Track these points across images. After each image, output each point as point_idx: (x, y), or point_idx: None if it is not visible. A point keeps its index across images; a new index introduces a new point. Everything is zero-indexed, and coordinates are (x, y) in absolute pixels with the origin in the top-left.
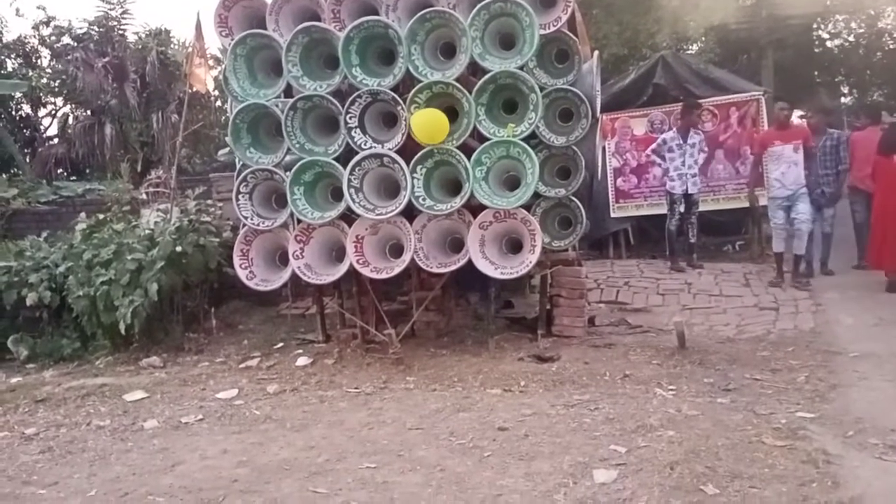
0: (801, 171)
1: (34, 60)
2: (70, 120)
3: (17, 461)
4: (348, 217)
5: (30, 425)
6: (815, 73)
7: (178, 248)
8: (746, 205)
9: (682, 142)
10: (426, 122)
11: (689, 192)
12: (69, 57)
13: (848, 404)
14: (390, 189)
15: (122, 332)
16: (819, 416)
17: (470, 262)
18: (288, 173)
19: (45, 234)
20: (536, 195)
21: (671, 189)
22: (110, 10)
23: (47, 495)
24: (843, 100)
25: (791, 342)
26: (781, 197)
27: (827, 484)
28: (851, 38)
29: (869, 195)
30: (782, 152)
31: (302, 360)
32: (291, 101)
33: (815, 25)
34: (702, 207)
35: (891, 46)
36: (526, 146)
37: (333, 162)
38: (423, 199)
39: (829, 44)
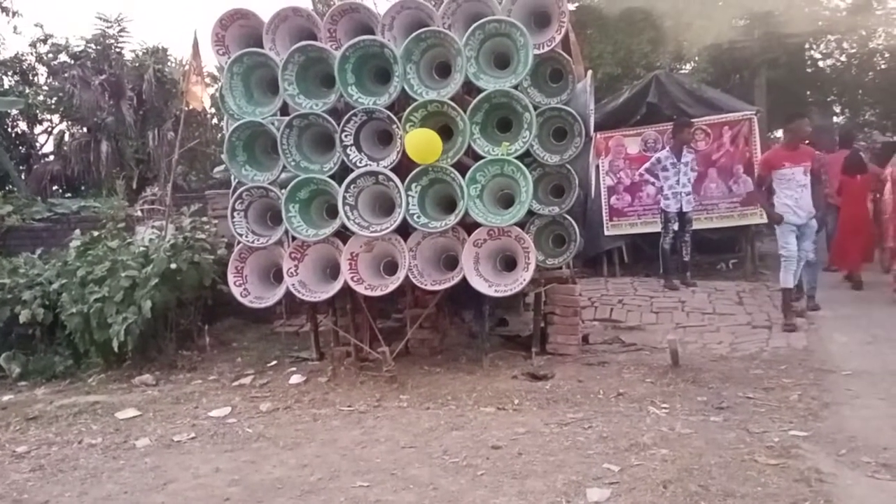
0: (809, 197)
1: (31, 78)
2: (66, 137)
3: (8, 479)
4: (343, 234)
5: (21, 443)
6: (808, 92)
7: (173, 266)
8: (740, 223)
9: (676, 160)
10: (420, 142)
11: (684, 210)
12: (66, 74)
13: (841, 423)
14: (385, 207)
15: (115, 349)
16: (812, 435)
17: (464, 280)
18: (283, 191)
19: (39, 251)
20: (530, 213)
21: (666, 207)
22: (107, 28)
23: None
24: (835, 119)
25: (784, 360)
26: (795, 224)
27: (820, 503)
28: (844, 58)
29: (837, 209)
30: (793, 175)
31: (295, 378)
32: (287, 119)
33: (807, 45)
34: (695, 226)
35: (883, 66)
36: (520, 164)
37: (329, 180)
38: (418, 217)
39: (821, 63)
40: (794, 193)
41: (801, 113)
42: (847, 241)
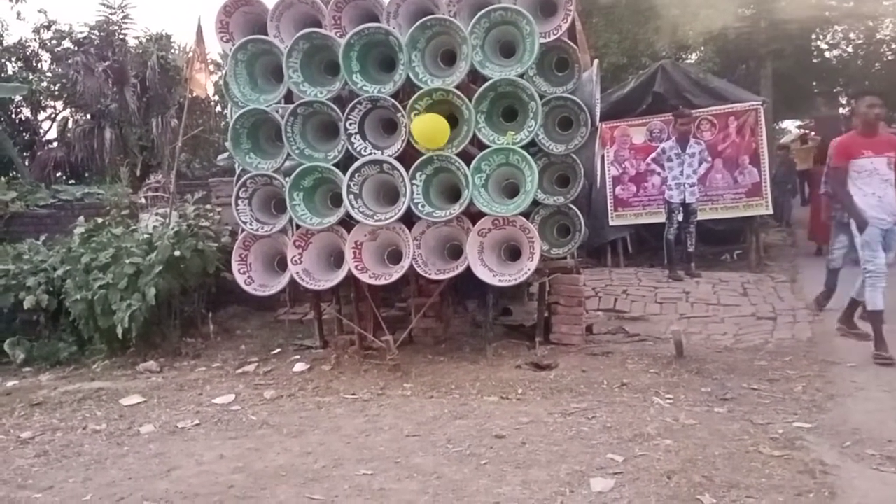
0: (894, 194)
1: (34, 64)
2: (70, 124)
3: (13, 465)
4: (347, 223)
5: (25, 429)
6: (814, 82)
7: (177, 253)
8: (746, 214)
9: (680, 151)
10: (427, 128)
11: (687, 201)
12: (69, 61)
13: (845, 415)
14: (389, 195)
15: (120, 336)
16: (816, 427)
17: (468, 269)
18: (287, 179)
19: (43, 238)
20: (535, 203)
21: (669, 198)
22: (111, 14)
23: (42, 500)
24: (841, 109)
25: (788, 352)
26: (881, 229)
27: (824, 494)
28: (850, 49)
29: None
30: (875, 167)
31: (299, 366)
32: (292, 106)
33: (813, 36)
34: (700, 216)
35: (889, 57)
36: (525, 154)
37: (333, 168)
38: (423, 206)
39: (827, 54)
40: (877, 190)
41: (867, 91)
42: (815, 218)
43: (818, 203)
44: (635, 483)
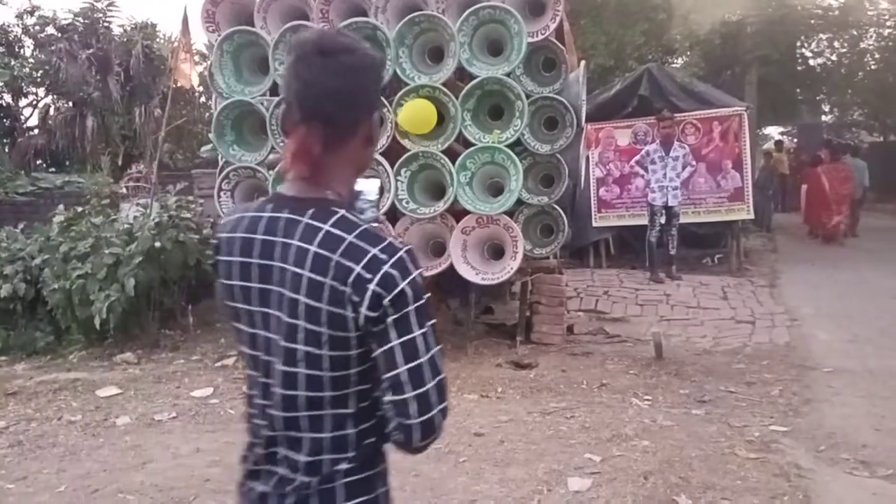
0: None
1: (17, 49)
2: (51, 111)
3: None
4: None
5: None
6: (798, 90)
7: (157, 244)
8: (727, 218)
9: (664, 154)
10: (414, 113)
11: (670, 204)
12: (53, 47)
13: (821, 419)
14: None
15: (97, 326)
16: (792, 430)
17: (451, 267)
18: (271, 171)
19: (21, 226)
20: (519, 202)
21: (652, 201)
22: (96, 1)
23: (16, 490)
24: (823, 118)
25: (766, 356)
26: None
27: (798, 497)
28: (834, 58)
29: None
30: None
31: None
32: (277, 99)
33: (798, 44)
34: (682, 220)
35: (872, 67)
36: (511, 153)
37: None
38: (407, 202)
39: (812, 62)
40: None
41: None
42: (810, 208)
43: (812, 192)
44: (612, 483)
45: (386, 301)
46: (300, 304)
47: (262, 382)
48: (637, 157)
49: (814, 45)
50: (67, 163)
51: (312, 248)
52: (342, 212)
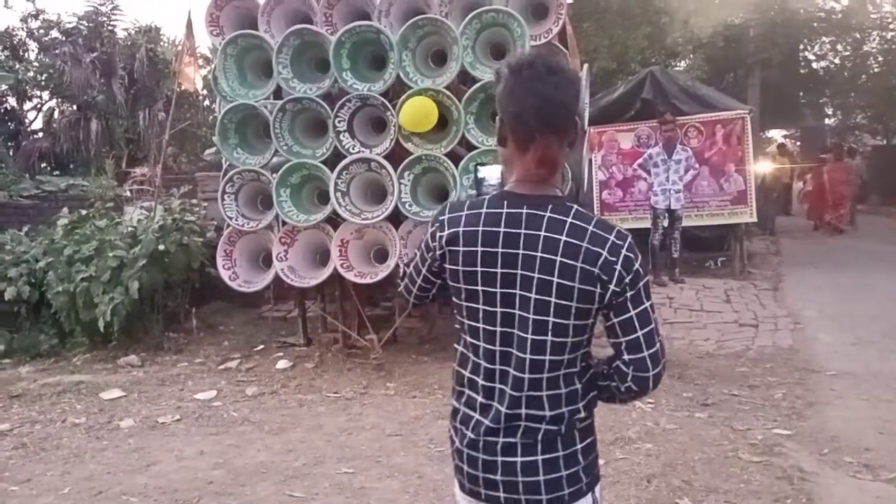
0: None
1: (21, 53)
2: (56, 114)
3: None
4: (334, 221)
5: (4, 421)
6: (801, 93)
7: (161, 247)
8: (730, 221)
9: (666, 157)
10: (413, 111)
11: (673, 207)
12: (57, 51)
13: (824, 422)
14: (377, 194)
15: (101, 329)
16: (795, 434)
17: None
18: (274, 175)
19: (26, 229)
20: None
21: (655, 204)
22: (100, 5)
23: (20, 492)
24: (826, 120)
25: (769, 359)
26: None
27: (801, 501)
28: (837, 61)
29: None
30: None
31: (282, 364)
32: (280, 102)
33: (801, 47)
34: (685, 223)
35: (875, 70)
36: None
37: (321, 165)
38: (410, 205)
39: (815, 65)
40: None
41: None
42: (813, 205)
43: (816, 189)
44: (615, 486)
45: (627, 279)
46: (553, 284)
47: (502, 351)
48: (640, 161)
49: (817, 48)
50: (71, 166)
51: (563, 238)
52: (575, 206)
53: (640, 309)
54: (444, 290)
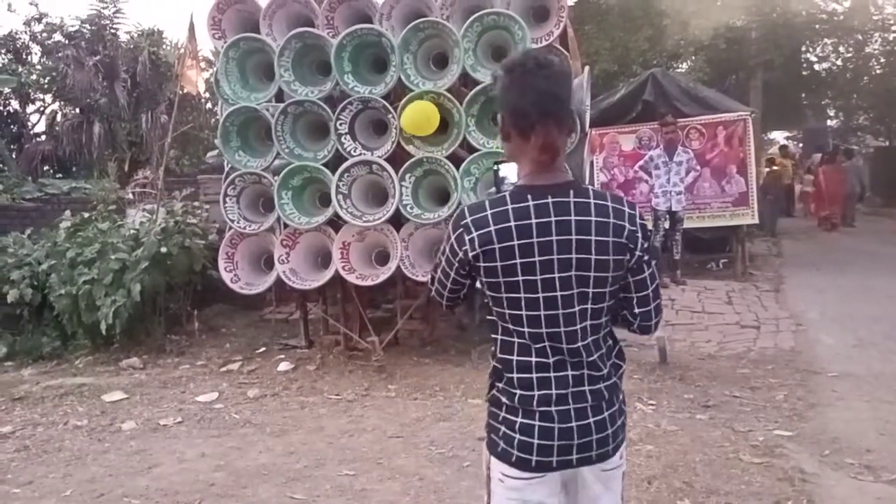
0: None
1: (24, 56)
2: (58, 117)
3: None
4: (335, 223)
5: (6, 423)
6: (803, 94)
7: (163, 250)
8: (732, 223)
9: (668, 159)
10: (415, 115)
11: (674, 209)
12: (60, 54)
13: (825, 424)
14: (378, 196)
15: (103, 332)
16: (797, 435)
17: None
18: (276, 177)
19: (28, 231)
20: None
21: (656, 206)
22: (103, 8)
23: (22, 494)
24: (829, 122)
25: (771, 360)
26: None
27: (802, 502)
28: (839, 62)
29: None
30: None
31: (284, 366)
32: (282, 105)
33: (803, 48)
34: (687, 225)
35: (877, 71)
36: None
37: (322, 168)
38: (411, 208)
39: (817, 67)
40: None
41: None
42: (818, 203)
43: (820, 188)
44: None
45: (645, 244)
46: (591, 261)
47: (549, 332)
48: (641, 162)
49: (818, 49)
50: (74, 169)
51: (593, 218)
52: (590, 187)
53: (651, 269)
54: (473, 288)
